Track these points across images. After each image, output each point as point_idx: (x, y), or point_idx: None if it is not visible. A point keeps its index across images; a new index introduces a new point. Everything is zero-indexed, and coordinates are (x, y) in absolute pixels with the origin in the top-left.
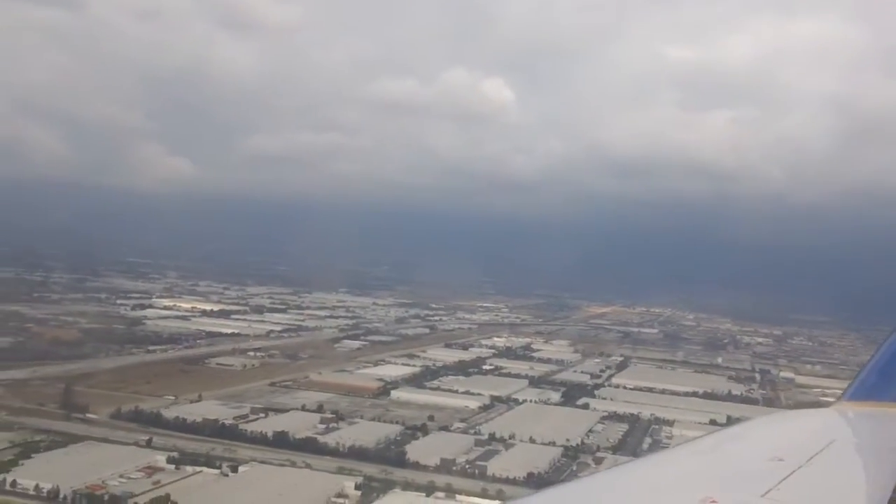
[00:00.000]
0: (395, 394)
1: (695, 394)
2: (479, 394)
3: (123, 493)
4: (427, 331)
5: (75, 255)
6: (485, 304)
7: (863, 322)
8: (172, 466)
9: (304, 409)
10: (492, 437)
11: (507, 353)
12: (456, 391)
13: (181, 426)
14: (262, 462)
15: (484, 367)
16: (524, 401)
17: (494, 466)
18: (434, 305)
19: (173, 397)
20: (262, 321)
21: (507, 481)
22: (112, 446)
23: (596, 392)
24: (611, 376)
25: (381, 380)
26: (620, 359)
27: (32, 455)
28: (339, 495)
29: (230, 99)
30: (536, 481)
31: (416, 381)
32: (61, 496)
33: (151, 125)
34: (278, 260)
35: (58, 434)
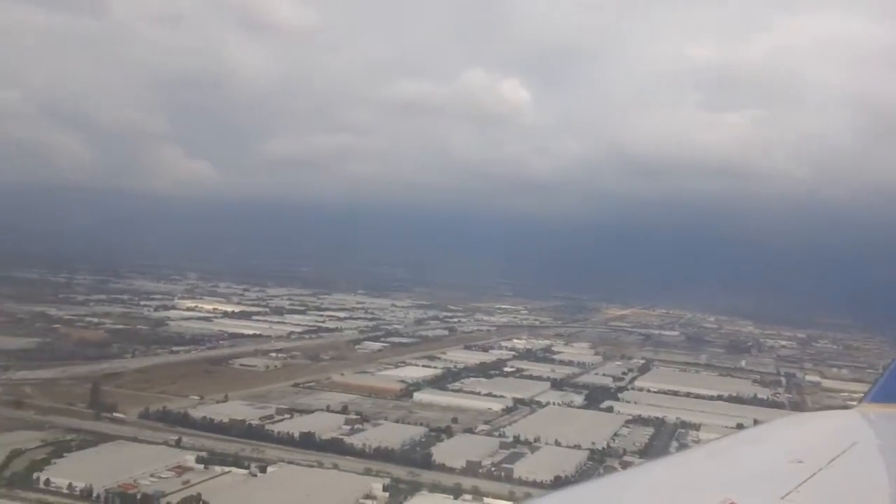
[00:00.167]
0: (417, 395)
1: (720, 397)
2: (501, 396)
3: (155, 493)
4: (446, 332)
5: (97, 257)
6: (503, 306)
7: (887, 324)
8: (202, 466)
9: (328, 410)
10: (516, 440)
11: (528, 355)
12: (478, 393)
13: (208, 426)
14: (290, 463)
15: (505, 369)
16: (547, 403)
17: (521, 469)
18: (452, 307)
19: (199, 397)
20: (283, 322)
21: (534, 484)
22: (142, 446)
23: (619, 395)
24: (633, 379)
25: (402, 381)
26: (642, 362)
27: (65, 454)
28: (367, 497)
29: (248, 102)
30: (564, 485)
31: (437, 383)
32: (94, 495)
33: (170, 129)
34: (297, 261)
35: (88, 433)
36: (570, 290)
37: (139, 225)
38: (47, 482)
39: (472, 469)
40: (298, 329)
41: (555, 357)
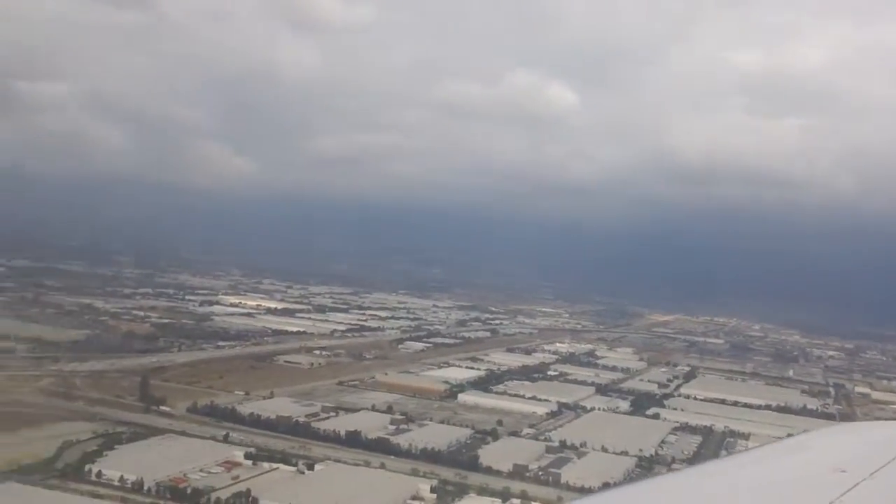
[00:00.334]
0: (461, 397)
1: (768, 407)
2: (546, 400)
3: (205, 487)
4: (488, 334)
5: (142, 250)
6: (544, 309)
7: None
8: (250, 462)
9: (373, 409)
10: (563, 445)
11: (571, 359)
12: (522, 396)
13: (255, 422)
14: (337, 461)
15: (548, 372)
16: (592, 408)
17: (568, 474)
18: (494, 309)
19: (245, 393)
20: (326, 320)
21: (582, 490)
22: (191, 440)
23: (665, 402)
24: (679, 386)
25: (446, 382)
26: (688, 369)
27: (115, 446)
28: (415, 498)
29: (295, 99)
30: None
31: (481, 385)
32: (145, 488)
33: (217, 125)
34: (338, 259)
35: (138, 426)
36: (611, 294)
37: (184, 220)
38: (99, 474)
39: (519, 473)
40: (341, 327)
41: (598, 362)
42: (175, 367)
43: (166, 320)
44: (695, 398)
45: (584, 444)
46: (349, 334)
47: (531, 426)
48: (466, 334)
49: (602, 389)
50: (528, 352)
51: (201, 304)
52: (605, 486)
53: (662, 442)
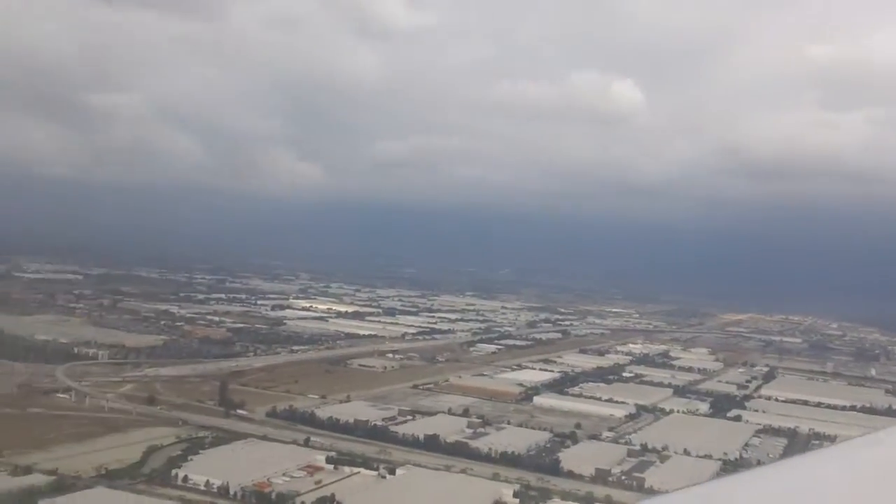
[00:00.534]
0: (537, 399)
1: (853, 408)
2: (623, 402)
3: (289, 492)
4: (559, 335)
5: (213, 256)
6: (614, 310)
7: None
8: (331, 466)
9: (450, 412)
10: (644, 448)
11: (645, 360)
12: (599, 398)
13: (334, 426)
14: (417, 465)
15: (623, 374)
16: (671, 411)
17: (652, 479)
18: (563, 310)
19: (322, 397)
20: (396, 323)
21: None
22: (272, 444)
23: (746, 404)
24: (759, 387)
25: (521, 385)
26: (766, 369)
27: (200, 451)
28: (498, 502)
29: (359, 104)
30: None
31: (556, 387)
32: (231, 493)
33: (283, 131)
34: (404, 262)
35: (220, 430)
36: (682, 293)
37: (252, 225)
38: (185, 479)
39: (601, 477)
40: (412, 330)
41: (673, 363)
42: (252, 371)
43: (240, 325)
44: (776, 399)
45: (665, 448)
46: (420, 337)
47: (610, 429)
48: (537, 336)
49: (680, 391)
50: (601, 353)
51: (273, 308)
52: None
53: (746, 445)
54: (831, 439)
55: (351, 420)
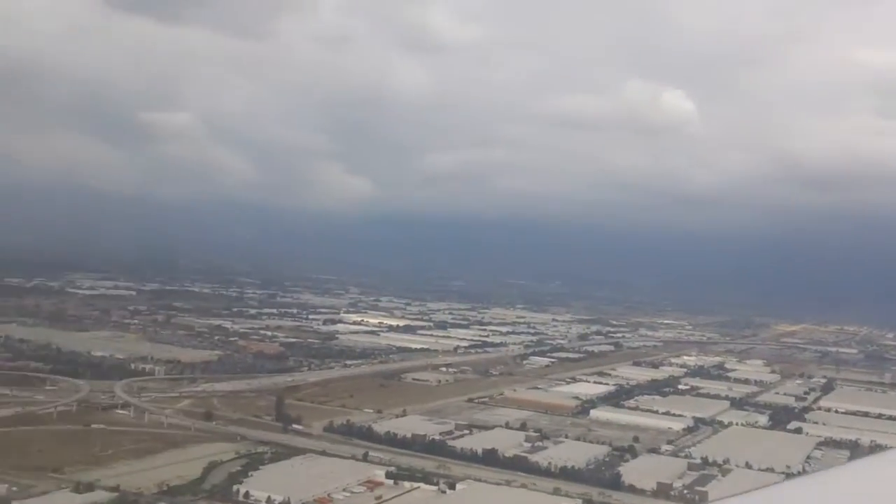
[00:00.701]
0: (594, 413)
1: None
2: (680, 415)
3: None
4: (612, 348)
5: (264, 271)
6: (666, 321)
7: None
8: (391, 482)
9: (507, 426)
10: (705, 462)
11: (701, 372)
12: (655, 411)
13: (391, 441)
14: (477, 480)
15: (679, 386)
16: (730, 423)
17: (714, 493)
18: (614, 322)
19: (377, 411)
20: (447, 336)
21: None
22: (331, 459)
23: (805, 416)
24: (817, 399)
25: (576, 398)
26: (823, 380)
27: (259, 466)
28: None
29: (407, 118)
30: None
31: (612, 400)
32: None
33: (332, 146)
34: (453, 275)
35: (278, 446)
36: (734, 304)
37: (302, 240)
38: (247, 495)
39: (663, 491)
40: (464, 343)
41: (729, 375)
42: (307, 385)
43: (293, 339)
44: (836, 411)
45: (726, 461)
46: (472, 350)
47: (669, 442)
48: (590, 348)
49: (737, 403)
50: (655, 365)
51: (324, 322)
52: None
53: (808, 458)
54: None
55: (408, 434)
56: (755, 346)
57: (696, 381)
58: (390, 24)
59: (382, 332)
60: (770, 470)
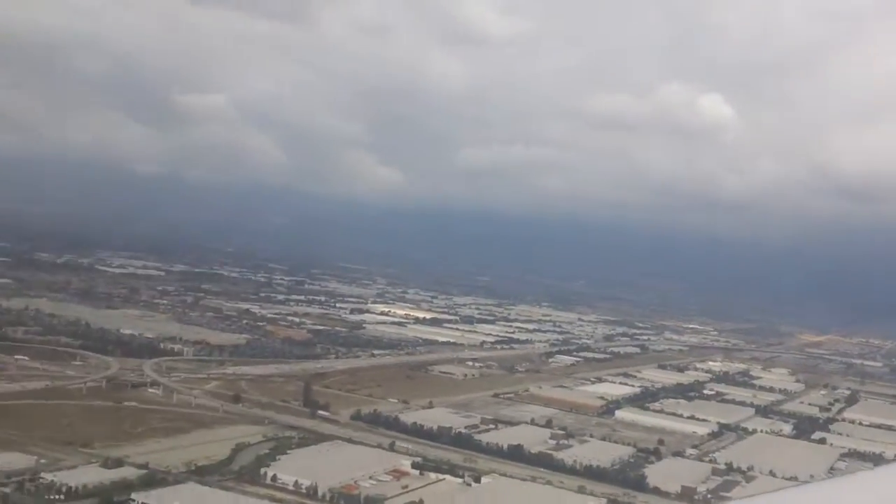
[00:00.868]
0: (619, 414)
1: None
2: (705, 420)
3: (377, 496)
4: (637, 350)
5: (293, 257)
6: (692, 326)
7: None
8: (417, 472)
9: (532, 422)
10: (729, 467)
11: (726, 378)
12: (680, 415)
13: (418, 431)
14: (502, 474)
15: (704, 391)
16: (755, 430)
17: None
18: (640, 324)
19: (404, 402)
20: (474, 331)
21: None
22: (358, 447)
23: (830, 427)
24: (842, 410)
25: (602, 398)
26: (848, 392)
27: (287, 451)
28: None
29: (445, 111)
30: None
31: (637, 402)
32: (320, 494)
33: (366, 136)
34: (481, 270)
35: (306, 431)
36: (761, 312)
37: (331, 228)
38: (274, 478)
39: (687, 494)
40: (490, 339)
41: (754, 382)
42: (335, 373)
43: (321, 327)
44: (860, 423)
45: (750, 468)
46: (498, 346)
47: (693, 446)
48: (615, 349)
49: (762, 411)
50: (680, 369)
51: (352, 311)
52: None
53: (832, 468)
54: None
55: (434, 426)
56: (780, 354)
57: (721, 387)
58: (430, 16)
59: (409, 323)
60: (794, 479)
